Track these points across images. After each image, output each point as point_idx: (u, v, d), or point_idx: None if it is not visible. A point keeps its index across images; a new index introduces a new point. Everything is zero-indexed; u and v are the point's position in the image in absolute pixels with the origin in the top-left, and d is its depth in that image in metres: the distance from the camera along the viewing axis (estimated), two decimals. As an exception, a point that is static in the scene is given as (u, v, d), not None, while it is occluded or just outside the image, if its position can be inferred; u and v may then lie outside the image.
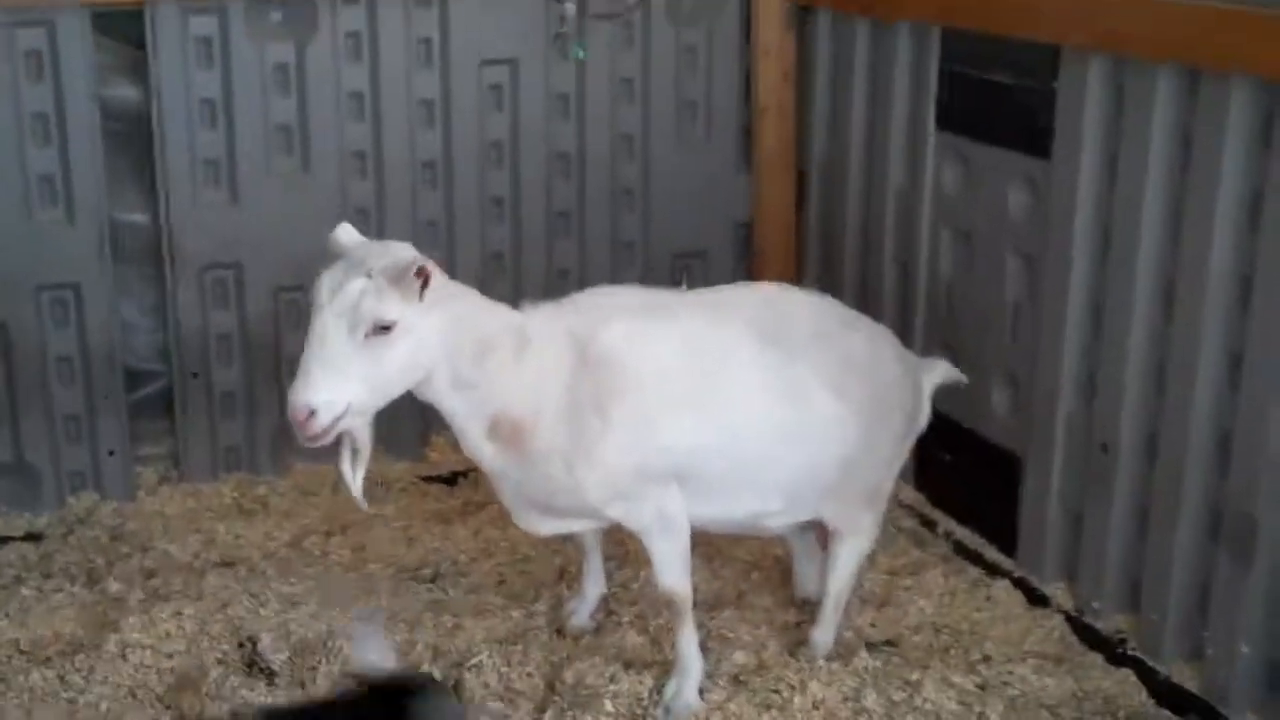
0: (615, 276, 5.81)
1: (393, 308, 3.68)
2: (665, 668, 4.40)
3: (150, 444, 5.66)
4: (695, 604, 4.36)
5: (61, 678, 4.39)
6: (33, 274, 5.20)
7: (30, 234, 5.18)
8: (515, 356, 3.98)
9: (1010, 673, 4.44)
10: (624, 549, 5.02)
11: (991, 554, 5.15)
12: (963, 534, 5.31)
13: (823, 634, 4.54)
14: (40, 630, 4.66)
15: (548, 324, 4.08)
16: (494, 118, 5.67)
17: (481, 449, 4.06)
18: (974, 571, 5.07)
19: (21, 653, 4.55)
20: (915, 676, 4.37)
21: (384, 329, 3.68)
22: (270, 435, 5.68)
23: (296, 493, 5.62)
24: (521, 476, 4.12)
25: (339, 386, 3.68)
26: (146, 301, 5.52)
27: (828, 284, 5.69)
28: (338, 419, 3.71)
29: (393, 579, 5.06)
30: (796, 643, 4.58)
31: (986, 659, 4.53)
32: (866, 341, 4.42)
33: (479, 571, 5.12)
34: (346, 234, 3.89)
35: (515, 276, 5.79)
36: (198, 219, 5.34)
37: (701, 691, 4.29)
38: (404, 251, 3.83)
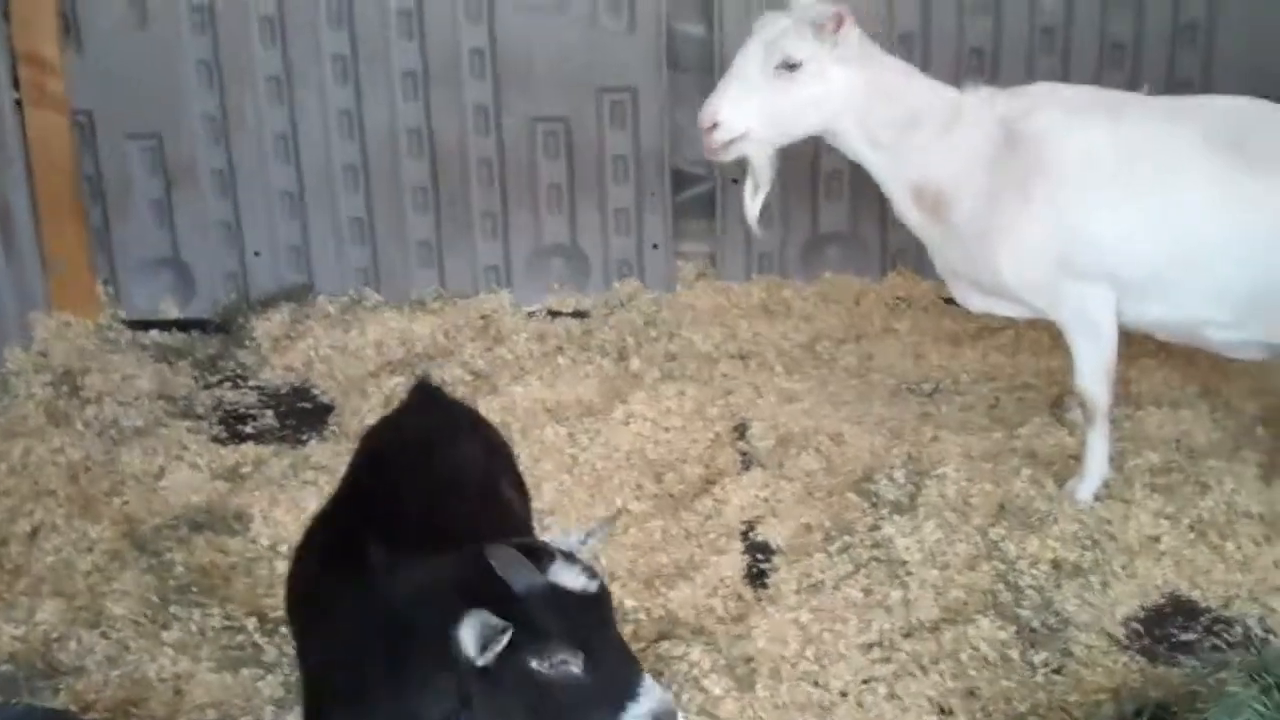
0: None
1: (803, 48, 4.12)
2: (1135, 506, 4.39)
3: (691, 241, 6.08)
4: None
5: (571, 436, 4.92)
6: (595, 77, 5.69)
7: (595, 40, 5.67)
8: (942, 130, 4.22)
9: None
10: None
11: None
12: None
13: None
14: (565, 394, 5.23)
15: (983, 104, 4.26)
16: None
17: (908, 213, 4.37)
18: None
19: (546, 410, 5.12)
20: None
21: (792, 66, 4.12)
22: (802, 244, 5.96)
23: (819, 299, 5.89)
24: (947, 247, 4.36)
25: (743, 107, 4.18)
26: (698, 109, 5.86)
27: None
28: (735, 140, 4.22)
29: (891, 389, 5.26)
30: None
31: None
32: None
33: (976, 393, 5.22)
34: None
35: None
36: (749, 32, 5.61)
37: (1097, 497, 4.38)
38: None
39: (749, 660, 3.82)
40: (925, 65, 5.34)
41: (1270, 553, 4.19)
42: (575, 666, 2.40)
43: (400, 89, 5.74)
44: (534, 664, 2.38)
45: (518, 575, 2.38)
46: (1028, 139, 4.17)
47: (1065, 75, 5.60)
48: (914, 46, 5.58)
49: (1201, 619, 4.01)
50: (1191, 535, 4.28)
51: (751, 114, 4.19)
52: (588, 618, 2.41)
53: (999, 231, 4.20)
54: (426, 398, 3.40)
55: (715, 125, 4.23)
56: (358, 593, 2.55)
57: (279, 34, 5.68)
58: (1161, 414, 4.92)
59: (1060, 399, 4.97)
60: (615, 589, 4.07)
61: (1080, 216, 4.14)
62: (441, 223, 5.92)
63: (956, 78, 5.52)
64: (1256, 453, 4.68)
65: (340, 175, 5.86)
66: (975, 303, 4.51)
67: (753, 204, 4.44)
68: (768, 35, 4.19)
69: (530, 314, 5.89)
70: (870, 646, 3.88)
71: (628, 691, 2.38)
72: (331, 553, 2.83)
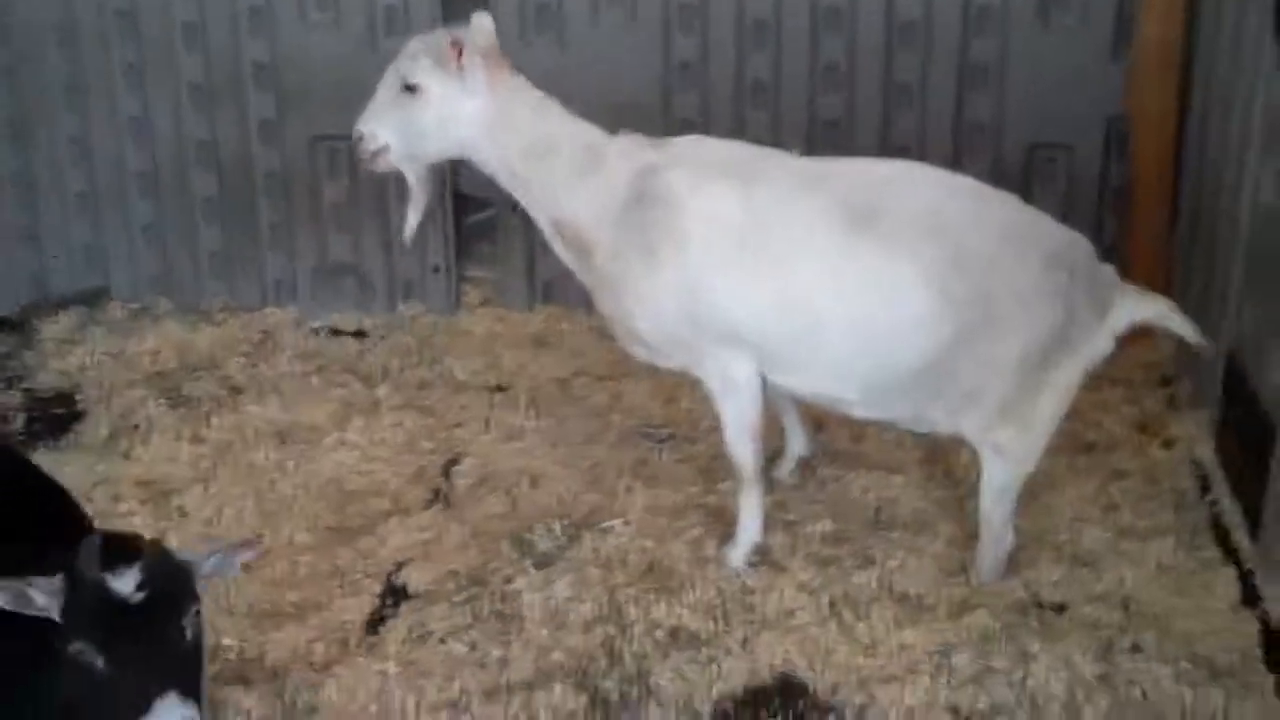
0: (959, 162, 5.35)
1: (419, 73, 4.11)
2: (785, 576, 4.26)
3: (478, 267, 6.04)
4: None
5: (280, 462, 4.93)
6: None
7: (375, 59, 5.49)
8: (577, 170, 4.14)
9: (1149, 672, 3.83)
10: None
11: (1240, 535, 4.41)
12: (1230, 506, 4.55)
13: (980, 559, 4.24)
14: (298, 417, 5.24)
15: (626, 153, 4.14)
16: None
17: (559, 251, 4.30)
18: (1210, 552, 4.37)
19: (276, 434, 5.13)
20: (1036, 648, 3.91)
21: (411, 88, 4.11)
22: (587, 274, 5.85)
23: (595, 333, 5.75)
24: (595, 289, 4.26)
25: (379, 125, 4.19)
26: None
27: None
28: (378, 153, 4.23)
29: (625, 432, 5.15)
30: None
31: (1137, 649, 3.93)
32: (997, 239, 3.91)
33: (708, 442, 5.05)
34: (479, 19, 4.16)
35: (849, 149, 5.49)
36: (528, 59, 5.52)
37: (752, 563, 4.30)
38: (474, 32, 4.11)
39: (313, 711, 3.79)
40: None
41: (898, 637, 4.01)
42: (97, 661, 2.58)
43: (188, 100, 5.78)
44: (69, 648, 2.61)
45: (83, 565, 2.62)
46: (655, 197, 4.03)
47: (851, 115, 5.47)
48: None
49: (799, 704, 3.85)
50: (826, 613, 4.12)
51: (387, 132, 4.20)
52: (123, 622, 2.59)
53: (631, 286, 4.09)
54: None
55: (360, 138, 4.26)
56: None
57: (70, 41, 5.77)
58: (871, 478, 4.75)
59: (776, 455, 4.82)
60: (225, 623, 4.11)
61: (705, 282, 3.99)
62: (230, 234, 5.96)
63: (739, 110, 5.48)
64: (951, 527, 4.50)
65: (133, 182, 5.93)
66: (639, 351, 4.36)
67: (410, 218, 4.40)
68: (397, 61, 4.20)
69: (315, 330, 5.91)
70: (441, 708, 3.81)
71: (144, 705, 2.55)
72: None
